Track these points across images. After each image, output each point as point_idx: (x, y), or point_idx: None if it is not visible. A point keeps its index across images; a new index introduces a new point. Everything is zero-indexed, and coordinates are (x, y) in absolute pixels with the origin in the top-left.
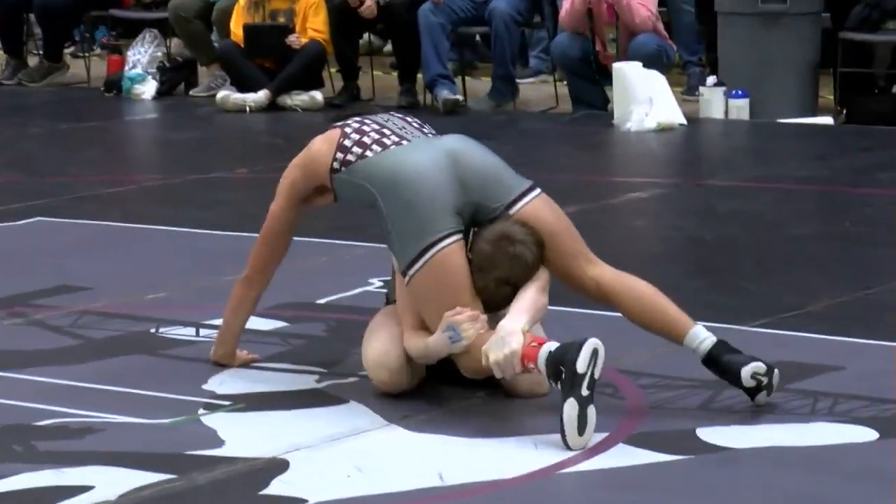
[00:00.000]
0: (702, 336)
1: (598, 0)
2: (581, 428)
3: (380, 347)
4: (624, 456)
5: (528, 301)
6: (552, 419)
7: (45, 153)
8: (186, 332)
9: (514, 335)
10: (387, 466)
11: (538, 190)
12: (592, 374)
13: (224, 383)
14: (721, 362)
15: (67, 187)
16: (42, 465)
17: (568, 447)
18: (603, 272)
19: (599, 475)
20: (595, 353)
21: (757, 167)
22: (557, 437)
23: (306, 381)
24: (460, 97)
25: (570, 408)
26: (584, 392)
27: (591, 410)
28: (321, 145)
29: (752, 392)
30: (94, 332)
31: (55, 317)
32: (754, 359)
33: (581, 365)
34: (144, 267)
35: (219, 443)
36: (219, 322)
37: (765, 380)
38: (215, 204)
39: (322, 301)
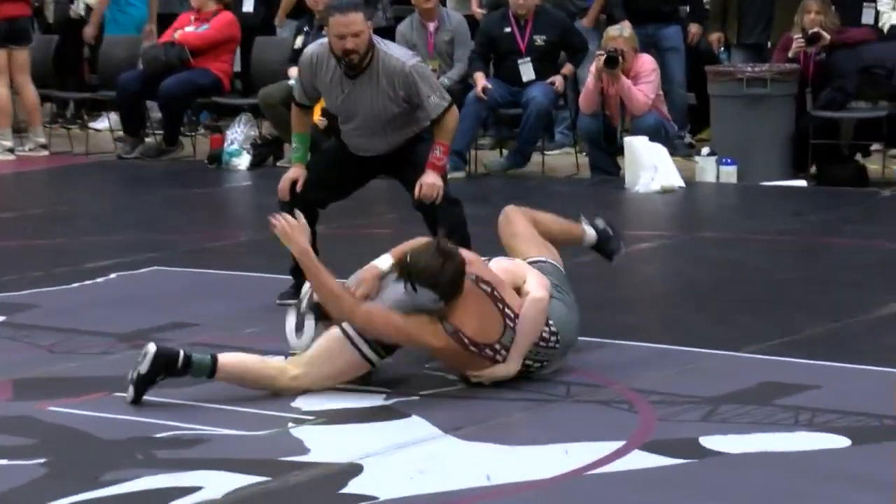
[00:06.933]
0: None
1: (607, 87)
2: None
3: None
4: (639, 460)
5: None
6: (578, 431)
7: (160, 215)
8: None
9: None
10: (443, 469)
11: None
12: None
13: (309, 401)
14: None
15: (179, 242)
16: (160, 469)
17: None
18: None
19: (620, 476)
20: None
21: (744, 222)
22: (584, 444)
23: (376, 399)
24: (461, 173)
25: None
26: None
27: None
28: None
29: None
30: None
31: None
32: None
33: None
34: (241, 307)
35: (305, 451)
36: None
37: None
38: None
39: None
